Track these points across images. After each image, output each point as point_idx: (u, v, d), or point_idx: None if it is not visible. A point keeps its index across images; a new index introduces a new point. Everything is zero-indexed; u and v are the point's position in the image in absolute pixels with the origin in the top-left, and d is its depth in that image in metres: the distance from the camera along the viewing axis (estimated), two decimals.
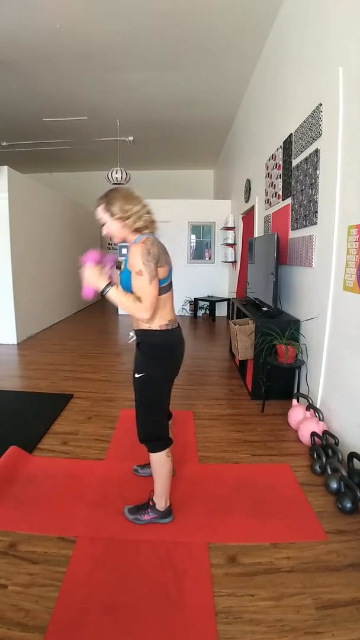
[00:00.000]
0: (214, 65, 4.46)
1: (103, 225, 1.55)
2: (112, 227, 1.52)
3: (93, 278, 1.47)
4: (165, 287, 1.52)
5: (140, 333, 1.58)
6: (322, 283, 2.53)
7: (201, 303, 7.37)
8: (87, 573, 1.42)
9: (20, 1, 3.26)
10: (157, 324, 1.55)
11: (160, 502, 1.69)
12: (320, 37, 2.58)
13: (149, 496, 1.73)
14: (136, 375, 1.59)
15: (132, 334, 1.62)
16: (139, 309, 1.44)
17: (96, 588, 1.36)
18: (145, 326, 1.55)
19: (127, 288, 1.51)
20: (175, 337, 1.61)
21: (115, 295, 1.46)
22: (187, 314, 7.48)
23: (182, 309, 7.51)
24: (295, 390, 2.92)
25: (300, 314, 2.98)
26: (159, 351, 1.57)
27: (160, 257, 1.45)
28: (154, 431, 1.64)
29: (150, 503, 1.70)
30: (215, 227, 7.35)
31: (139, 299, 1.44)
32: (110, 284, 1.46)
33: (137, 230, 1.54)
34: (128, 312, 1.47)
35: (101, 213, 1.53)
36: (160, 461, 1.65)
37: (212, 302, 7.02)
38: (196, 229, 7.55)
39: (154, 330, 1.55)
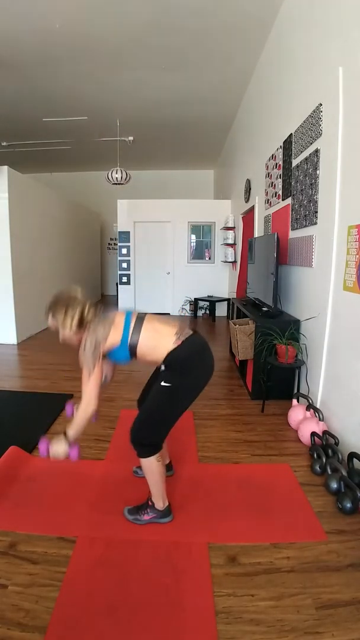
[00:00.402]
0: (214, 65, 4.46)
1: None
2: (67, 336, 1.62)
3: (58, 452, 1.53)
4: (133, 332, 1.56)
5: (164, 360, 1.57)
6: (322, 283, 2.53)
7: (201, 303, 7.37)
8: (87, 573, 1.42)
9: (20, 1, 3.26)
10: (165, 351, 1.55)
11: (158, 502, 1.69)
12: (320, 37, 2.58)
13: (147, 496, 1.73)
14: (162, 384, 1.57)
15: (162, 367, 1.60)
16: (84, 409, 1.52)
17: (96, 588, 1.36)
18: (162, 357, 1.56)
19: (124, 359, 1.62)
20: (195, 343, 1.61)
21: (73, 430, 1.54)
22: (187, 314, 7.48)
23: (182, 309, 7.51)
24: (295, 390, 2.92)
25: (300, 313, 2.97)
26: (185, 364, 1.57)
27: (101, 334, 1.52)
28: (151, 439, 1.62)
29: (150, 503, 1.70)
30: (215, 227, 7.35)
31: (87, 400, 1.53)
32: (66, 439, 1.53)
33: (82, 328, 1.58)
34: (84, 421, 1.54)
35: (53, 325, 1.63)
36: (150, 466, 1.63)
37: (212, 302, 7.02)
38: (196, 229, 7.55)
39: (173, 350, 1.55)
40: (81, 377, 1.55)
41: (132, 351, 1.58)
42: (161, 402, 1.60)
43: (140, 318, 1.62)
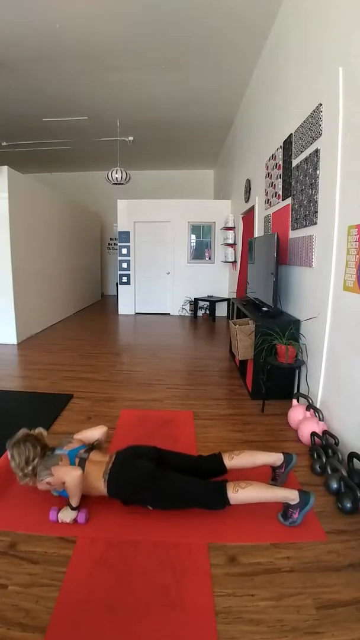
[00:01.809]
0: (214, 65, 4.46)
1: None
2: (17, 477, 1.74)
3: (66, 519, 1.67)
4: (79, 464, 1.75)
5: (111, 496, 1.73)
6: (322, 283, 2.53)
7: (201, 303, 7.37)
8: (87, 573, 1.42)
9: (20, 1, 3.26)
10: (100, 491, 1.72)
11: (288, 496, 1.66)
12: (320, 37, 2.58)
13: (284, 505, 1.70)
14: (149, 507, 1.72)
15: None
16: (70, 479, 1.64)
17: (96, 588, 1.36)
18: (104, 494, 1.73)
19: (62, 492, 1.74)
20: (115, 471, 1.73)
21: (74, 501, 1.67)
22: (187, 314, 7.48)
23: (182, 309, 7.51)
24: (295, 390, 2.92)
25: (300, 314, 2.98)
26: (124, 487, 1.73)
27: (52, 462, 1.70)
28: (199, 500, 1.68)
29: (286, 505, 1.68)
30: (215, 227, 7.35)
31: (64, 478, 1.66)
32: (73, 508, 1.68)
33: (32, 476, 1.71)
34: (77, 487, 1.66)
35: (11, 464, 1.74)
36: (243, 499, 1.65)
37: (212, 302, 7.02)
38: (196, 229, 7.55)
39: (108, 490, 1.71)
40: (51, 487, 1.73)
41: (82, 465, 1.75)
42: (166, 504, 1.73)
43: (83, 460, 1.77)
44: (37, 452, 1.73)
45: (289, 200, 3.30)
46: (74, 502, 1.66)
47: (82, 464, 1.74)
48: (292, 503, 1.66)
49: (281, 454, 1.90)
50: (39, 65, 4.38)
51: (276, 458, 1.88)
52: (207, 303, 7.20)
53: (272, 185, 3.86)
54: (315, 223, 2.65)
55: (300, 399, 2.72)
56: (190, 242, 7.51)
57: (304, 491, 1.68)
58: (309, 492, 1.68)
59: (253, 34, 3.81)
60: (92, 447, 1.89)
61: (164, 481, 1.71)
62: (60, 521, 1.66)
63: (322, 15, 2.54)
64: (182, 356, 4.60)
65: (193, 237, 7.56)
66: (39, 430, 1.86)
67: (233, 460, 1.84)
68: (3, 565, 1.45)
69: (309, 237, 2.77)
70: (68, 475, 1.64)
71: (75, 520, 1.67)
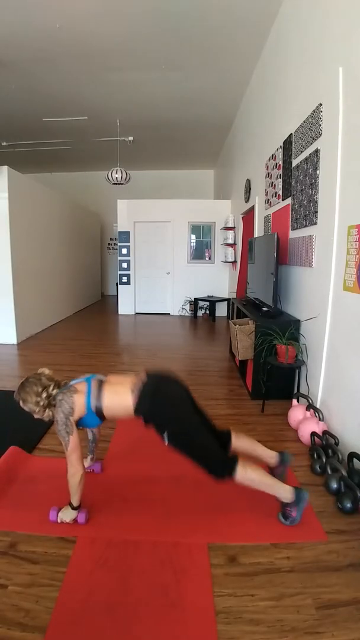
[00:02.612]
0: (214, 65, 4.46)
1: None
2: (39, 416, 1.72)
3: (66, 519, 1.66)
4: (95, 398, 1.64)
5: (139, 418, 1.65)
6: (322, 283, 2.53)
7: (201, 303, 7.37)
8: (87, 573, 1.42)
9: (20, 1, 3.26)
10: (130, 409, 1.63)
11: (283, 494, 1.66)
12: (320, 37, 2.58)
13: (281, 503, 1.70)
14: (166, 442, 1.63)
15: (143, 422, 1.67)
16: (72, 475, 1.62)
17: (96, 588, 1.36)
18: (131, 413, 1.64)
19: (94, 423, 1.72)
20: (148, 389, 1.65)
21: (75, 500, 1.65)
22: (187, 314, 7.48)
23: (182, 309, 7.51)
24: (295, 390, 2.92)
25: (300, 314, 2.97)
26: (153, 409, 1.64)
27: (68, 407, 1.61)
28: (208, 459, 1.65)
29: (282, 502, 1.68)
30: (215, 227, 7.35)
31: (75, 466, 1.62)
32: (74, 508, 1.66)
33: (50, 405, 1.68)
34: (77, 485, 1.64)
35: (24, 407, 1.72)
36: (246, 480, 1.63)
37: (212, 302, 7.02)
38: (196, 229, 7.56)
39: (134, 407, 1.63)
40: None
41: (100, 415, 1.67)
42: (182, 443, 1.65)
43: (100, 382, 1.70)
44: (43, 382, 1.70)
45: (289, 200, 3.30)
46: (75, 501, 1.65)
47: (100, 385, 1.69)
48: (288, 501, 1.67)
49: (276, 453, 1.93)
50: (39, 65, 4.38)
51: (272, 454, 1.92)
52: (207, 303, 7.20)
53: (272, 185, 3.86)
54: (315, 223, 2.65)
55: (300, 399, 2.72)
56: (190, 242, 7.51)
57: (297, 488, 1.69)
58: (302, 489, 1.70)
59: (253, 34, 3.81)
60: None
61: (195, 421, 1.68)
62: (60, 521, 1.66)
63: (322, 15, 2.54)
64: (182, 356, 4.60)
65: (193, 237, 7.56)
66: (40, 370, 1.82)
67: (237, 441, 1.86)
68: (3, 565, 1.45)
69: (309, 237, 2.77)
70: (72, 466, 1.61)
71: (75, 520, 1.66)
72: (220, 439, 1.77)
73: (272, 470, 1.92)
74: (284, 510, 1.69)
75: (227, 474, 1.62)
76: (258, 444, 1.93)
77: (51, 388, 1.69)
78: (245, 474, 1.62)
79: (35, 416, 1.73)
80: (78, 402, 1.63)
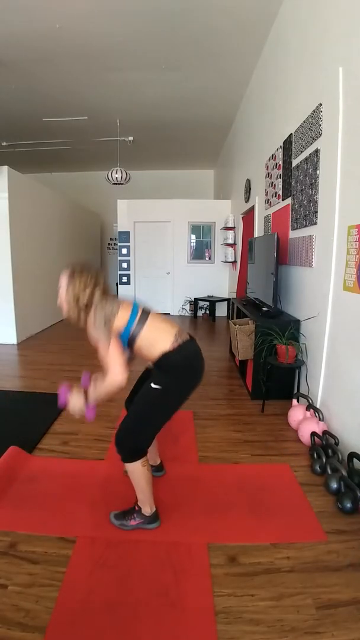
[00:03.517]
0: (214, 65, 4.46)
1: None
2: (70, 311, 1.56)
3: (76, 408, 1.58)
4: (138, 322, 1.54)
5: (157, 360, 1.55)
6: (322, 283, 2.53)
7: (201, 303, 7.37)
8: (87, 573, 1.42)
9: (20, 1, 3.26)
10: (161, 351, 1.53)
11: (145, 507, 1.66)
12: (320, 37, 2.57)
13: (134, 501, 1.70)
14: (152, 385, 1.54)
15: (153, 368, 1.60)
16: (112, 380, 1.46)
17: (96, 588, 1.36)
18: (157, 355, 1.54)
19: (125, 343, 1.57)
20: (190, 349, 1.58)
21: (94, 396, 1.54)
22: (187, 314, 7.48)
23: (182, 309, 7.51)
24: (295, 390, 2.92)
25: (300, 314, 2.97)
26: (178, 364, 1.55)
27: (110, 311, 1.49)
28: (137, 443, 1.58)
29: (136, 508, 1.67)
30: (215, 227, 7.35)
31: (109, 370, 1.47)
32: (86, 398, 1.56)
33: (88, 307, 1.54)
34: (109, 393, 1.50)
35: (63, 284, 1.57)
36: (136, 471, 1.60)
37: (212, 302, 7.02)
38: (196, 229, 7.55)
39: (168, 351, 1.53)
40: (98, 352, 1.50)
41: (131, 342, 1.55)
42: (149, 403, 1.57)
43: (146, 312, 1.60)
44: (98, 281, 1.54)
45: (289, 200, 3.30)
46: (94, 396, 1.53)
47: (145, 314, 1.58)
48: (142, 512, 1.65)
49: (160, 460, 2.07)
50: (39, 65, 4.38)
51: (158, 459, 2.04)
52: (207, 303, 7.19)
53: (272, 185, 3.86)
54: (315, 223, 2.65)
55: (300, 399, 2.72)
56: (190, 242, 7.51)
57: (157, 514, 1.68)
58: (159, 519, 1.68)
59: (253, 34, 3.81)
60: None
61: (175, 408, 1.63)
62: (69, 409, 1.54)
63: (322, 15, 2.54)
64: None
65: (193, 237, 7.56)
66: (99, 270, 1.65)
67: None
68: (3, 565, 1.45)
69: (309, 237, 2.77)
70: (113, 373, 1.45)
71: (83, 414, 1.55)
72: None
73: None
74: (129, 513, 1.67)
75: (132, 459, 1.57)
76: (155, 443, 1.95)
77: (101, 288, 1.53)
78: (139, 469, 1.59)
79: (65, 310, 1.57)
80: (122, 315, 1.51)
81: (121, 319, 1.51)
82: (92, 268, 1.59)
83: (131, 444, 1.58)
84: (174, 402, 1.61)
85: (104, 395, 1.50)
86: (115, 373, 1.45)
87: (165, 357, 1.53)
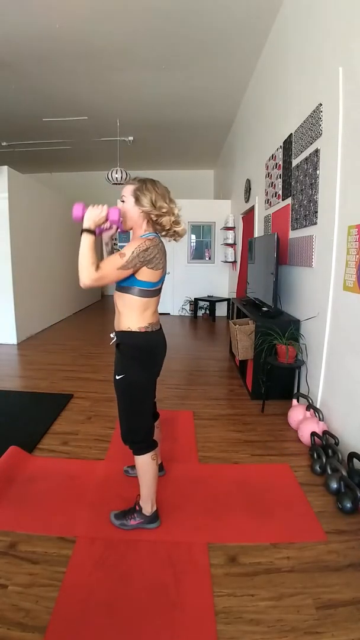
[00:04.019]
0: (214, 65, 4.46)
1: (122, 201, 1.53)
2: (132, 212, 1.50)
3: (92, 217, 1.44)
4: (153, 290, 1.53)
5: (120, 334, 1.56)
6: (322, 283, 2.53)
7: (201, 303, 7.37)
8: (87, 573, 1.42)
9: (20, 1, 3.26)
10: (136, 326, 1.53)
11: (147, 506, 1.66)
12: (320, 37, 2.57)
13: (135, 500, 1.70)
14: (117, 377, 1.57)
15: (112, 335, 1.61)
16: (86, 273, 1.39)
17: (96, 588, 1.36)
18: (125, 327, 1.54)
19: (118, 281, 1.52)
20: (155, 339, 1.59)
21: (85, 244, 1.43)
22: (187, 314, 7.48)
23: (182, 309, 7.51)
24: (295, 390, 2.92)
25: (300, 314, 2.97)
26: (138, 352, 1.56)
27: (157, 261, 1.45)
28: (138, 433, 1.61)
29: (137, 508, 1.67)
30: (215, 227, 7.35)
31: (98, 267, 1.40)
32: (93, 233, 1.45)
33: (150, 227, 1.53)
34: (79, 267, 1.42)
35: (128, 194, 1.50)
36: (144, 464, 1.62)
37: (212, 302, 7.02)
38: (196, 229, 7.55)
39: (133, 332, 1.53)
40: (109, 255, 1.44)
41: (134, 291, 1.48)
42: (124, 395, 1.59)
43: (159, 291, 1.60)
44: (175, 208, 1.49)
45: (289, 200, 3.30)
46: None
47: (158, 293, 1.58)
48: (143, 512, 1.66)
49: (160, 460, 2.02)
50: (39, 65, 4.38)
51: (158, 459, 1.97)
52: (207, 303, 7.19)
53: (272, 185, 3.86)
54: (315, 223, 2.65)
55: (300, 399, 2.72)
56: (190, 242, 7.51)
57: (157, 514, 1.68)
58: (159, 519, 1.68)
59: (253, 34, 3.81)
60: None
61: (150, 388, 1.65)
62: (87, 219, 1.43)
63: (322, 15, 2.54)
64: (182, 356, 4.60)
65: (193, 237, 7.56)
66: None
67: (155, 427, 1.83)
68: (3, 565, 1.45)
69: (309, 237, 2.77)
70: (103, 272, 1.39)
71: (106, 219, 1.45)
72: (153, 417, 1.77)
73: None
74: (129, 512, 1.67)
75: (143, 451, 1.60)
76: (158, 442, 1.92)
77: (171, 219, 1.46)
78: (148, 463, 1.61)
79: (120, 207, 1.48)
80: (155, 272, 1.45)
81: (152, 273, 1.45)
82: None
83: (133, 437, 1.61)
84: (143, 383, 1.60)
85: (80, 255, 1.44)
86: (92, 279, 1.40)
87: (130, 339, 1.53)
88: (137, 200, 1.48)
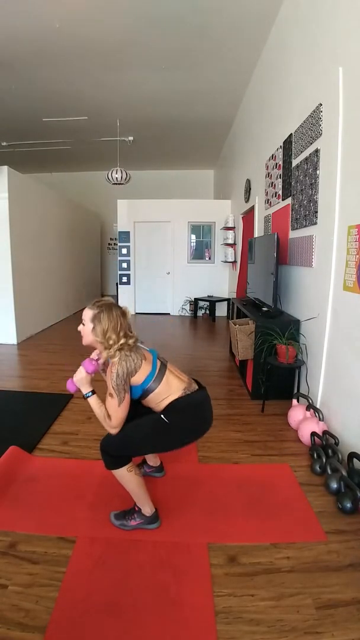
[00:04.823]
0: (214, 65, 4.46)
1: (82, 324, 1.62)
2: (91, 337, 1.59)
3: (81, 382, 1.62)
4: (155, 379, 1.58)
5: (165, 411, 1.58)
6: (322, 283, 2.53)
7: (201, 303, 7.37)
8: (87, 573, 1.42)
9: (20, 1, 3.26)
10: (169, 402, 1.57)
11: (145, 508, 1.66)
12: (320, 37, 2.57)
13: (134, 501, 1.70)
14: (162, 417, 1.56)
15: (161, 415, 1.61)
16: (108, 426, 1.56)
17: (96, 588, 1.36)
18: (164, 406, 1.58)
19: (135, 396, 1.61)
20: (196, 396, 1.62)
21: (94, 403, 1.59)
22: (187, 314, 7.48)
23: (182, 309, 7.51)
24: (295, 390, 2.92)
25: (300, 314, 2.97)
26: (183, 410, 1.58)
27: (134, 364, 1.52)
28: (121, 452, 1.59)
29: (136, 508, 1.67)
30: (215, 227, 7.35)
31: (109, 416, 1.54)
32: (93, 392, 1.61)
33: (114, 351, 1.54)
34: (101, 420, 1.58)
35: (87, 320, 1.58)
36: (122, 477, 1.61)
37: (212, 302, 7.02)
38: (196, 229, 7.55)
39: (175, 399, 1.58)
40: (106, 398, 1.56)
41: (144, 395, 1.60)
42: (151, 429, 1.59)
43: (164, 366, 1.65)
44: (125, 328, 1.56)
45: (289, 200, 3.30)
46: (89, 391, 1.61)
47: (163, 370, 1.62)
48: (143, 513, 1.66)
49: (160, 461, 2.08)
50: (39, 65, 4.38)
51: (157, 460, 2.07)
52: (207, 303, 7.19)
53: (272, 185, 3.86)
54: (315, 223, 2.65)
55: (300, 399, 2.72)
56: (190, 242, 7.51)
57: (157, 515, 1.68)
58: (159, 519, 1.69)
59: (253, 34, 3.81)
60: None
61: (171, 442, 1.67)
62: (78, 377, 1.61)
63: (322, 16, 2.54)
64: (182, 356, 4.60)
65: (193, 237, 7.56)
66: (125, 307, 1.65)
67: None
68: (3, 565, 1.45)
69: (309, 237, 2.77)
70: (113, 425, 1.53)
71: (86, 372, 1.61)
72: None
73: (147, 466, 2.06)
74: (129, 513, 1.68)
75: (111, 466, 1.61)
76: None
77: (129, 340, 1.55)
78: (124, 475, 1.61)
79: (87, 343, 1.61)
80: (143, 370, 1.55)
81: (141, 374, 1.55)
82: (118, 308, 1.61)
83: (115, 454, 1.60)
84: (173, 441, 1.64)
85: (96, 414, 1.58)
86: (113, 426, 1.54)
87: (172, 405, 1.58)
88: (94, 329, 1.56)
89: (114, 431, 1.55)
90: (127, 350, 1.53)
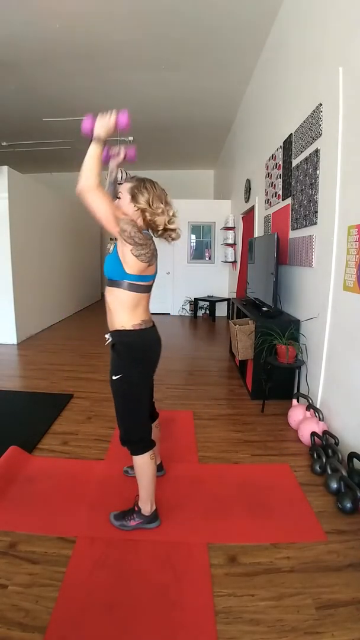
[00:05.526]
0: (214, 66, 4.46)
1: (118, 197, 1.56)
2: (127, 209, 1.53)
3: (103, 125, 1.45)
4: (143, 286, 1.55)
5: (114, 334, 1.57)
6: (322, 283, 2.53)
7: (201, 303, 7.37)
8: (87, 573, 1.42)
9: (20, 1, 3.26)
10: (130, 324, 1.55)
11: (146, 506, 1.66)
12: (320, 37, 2.57)
13: (134, 501, 1.70)
14: (113, 378, 1.57)
15: (107, 335, 1.61)
16: (87, 181, 1.45)
17: (96, 588, 1.36)
18: (119, 326, 1.55)
19: (109, 273, 1.60)
20: (149, 336, 1.60)
21: (92, 151, 1.45)
22: (187, 314, 7.48)
23: (182, 309, 7.51)
24: (295, 390, 2.92)
25: (300, 314, 2.97)
26: (134, 352, 1.56)
27: (145, 252, 1.47)
28: (135, 433, 1.62)
29: (136, 508, 1.67)
30: (215, 227, 7.35)
31: (99, 187, 1.43)
32: (104, 143, 1.47)
33: (143, 226, 1.54)
34: (81, 172, 1.45)
35: (124, 191, 1.53)
36: (143, 464, 1.62)
37: (212, 302, 7.02)
38: (196, 229, 7.55)
39: (128, 330, 1.54)
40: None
41: (124, 285, 1.53)
42: (120, 396, 1.58)
43: (149, 288, 1.61)
44: (170, 212, 1.51)
45: (289, 200, 3.30)
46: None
47: (148, 291, 1.61)
48: (142, 513, 1.65)
49: (160, 460, 2.06)
50: (39, 65, 4.38)
51: (158, 459, 2.01)
52: (207, 303, 7.20)
53: (272, 185, 3.86)
54: (315, 223, 2.65)
55: (300, 399, 2.72)
56: (190, 242, 7.51)
57: (156, 514, 1.68)
58: (158, 518, 1.68)
59: (253, 34, 3.81)
60: None
61: (147, 387, 1.66)
62: (97, 128, 1.44)
63: (322, 16, 2.54)
64: (182, 356, 4.60)
65: (193, 237, 7.56)
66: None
67: (154, 426, 1.85)
68: (3, 565, 1.45)
69: (309, 237, 2.77)
70: (89, 187, 1.45)
71: (115, 125, 1.44)
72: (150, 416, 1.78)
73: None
74: (129, 513, 1.67)
75: (140, 451, 1.60)
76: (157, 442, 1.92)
77: (166, 219, 1.48)
78: (146, 463, 1.61)
79: (117, 204, 1.49)
80: (146, 266, 1.49)
81: (140, 266, 1.48)
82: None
83: (131, 437, 1.61)
84: (140, 382, 1.61)
85: (85, 162, 1.47)
86: (83, 183, 1.45)
87: (125, 337, 1.54)
88: (134, 198, 1.49)
89: (85, 187, 1.45)
90: (164, 235, 1.49)
